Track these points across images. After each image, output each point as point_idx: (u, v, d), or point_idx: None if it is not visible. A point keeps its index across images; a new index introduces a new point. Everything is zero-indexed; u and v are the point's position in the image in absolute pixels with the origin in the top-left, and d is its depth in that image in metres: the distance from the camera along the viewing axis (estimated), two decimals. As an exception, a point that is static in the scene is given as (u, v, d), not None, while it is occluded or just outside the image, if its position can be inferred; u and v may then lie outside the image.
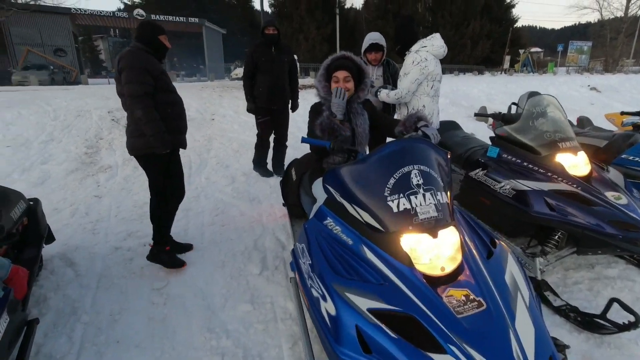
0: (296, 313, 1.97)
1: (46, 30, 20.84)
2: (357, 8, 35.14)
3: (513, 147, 2.75)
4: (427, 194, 1.47)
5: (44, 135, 5.64)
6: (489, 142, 3.10)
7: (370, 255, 1.47)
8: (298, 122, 6.06)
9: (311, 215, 1.88)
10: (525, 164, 2.63)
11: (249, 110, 4.28)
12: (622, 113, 4.57)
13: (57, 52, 21.10)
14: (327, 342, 1.32)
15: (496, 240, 1.67)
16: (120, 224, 3.33)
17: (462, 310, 1.27)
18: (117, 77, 2.36)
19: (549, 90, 10.93)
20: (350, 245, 1.54)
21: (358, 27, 30.46)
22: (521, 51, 29.68)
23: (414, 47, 2.93)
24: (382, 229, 1.48)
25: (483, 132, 6.49)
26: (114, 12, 23.59)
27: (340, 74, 2.12)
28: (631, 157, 3.18)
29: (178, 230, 3.11)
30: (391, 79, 3.44)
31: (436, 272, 1.39)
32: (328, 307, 1.36)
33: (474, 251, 1.53)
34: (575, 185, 2.39)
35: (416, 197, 1.46)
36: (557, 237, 2.40)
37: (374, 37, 3.25)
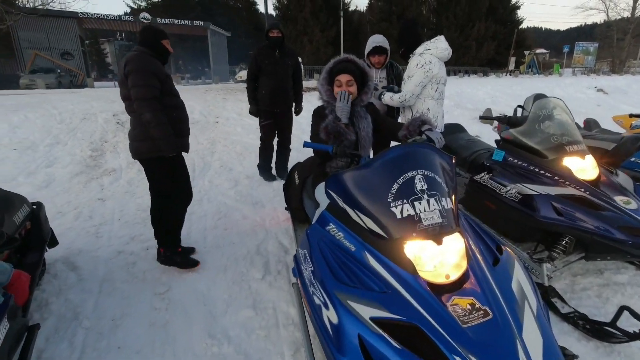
0: (298, 319, 1.95)
1: (54, 34, 21.11)
2: (362, 10, 35.18)
3: (519, 150, 2.71)
4: (432, 200, 1.44)
5: (49, 138, 5.67)
6: (494, 145, 3.06)
7: (373, 262, 1.44)
8: (302, 125, 6.05)
9: (314, 221, 1.86)
10: (531, 167, 2.59)
11: (251, 112, 4.28)
12: (631, 115, 4.51)
13: (64, 56, 21.36)
14: (329, 351, 1.30)
15: (502, 247, 1.63)
16: (124, 227, 3.33)
17: (467, 319, 1.24)
18: (122, 81, 2.36)
19: (554, 91, 10.84)
20: (353, 251, 1.51)
21: (362, 29, 30.50)
22: (526, 52, 29.56)
23: (418, 50, 2.90)
24: (385, 236, 1.45)
25: (488, 135, 6.45)
26: (120, 16, 23.84)
27: (343, 78, 2.10)
28: (640, 161, 3.13)
29: (182, 234, 3.09)
30: (395, 81, 3.41)
31: (441, 279, 1.36)
32: (330, 315, 1.33)
33: (480, 258, 1.49)
34: (583, 190, 2.35)
35: (420, 203, 1.43)
36: (564, 242, 2.35)
37: (377, 39, 3.23)
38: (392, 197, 1.45)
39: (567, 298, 2.25)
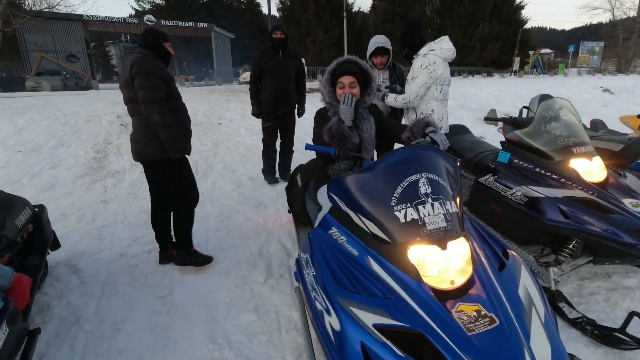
0: (301, 324, 1.92)
1: (59, 37, 21.29)
2: (365, 11, 35.18)
3: (525, 152, 2.67)
4: (436, 204, 1.41)
5: (54, 140, 5.70)
6: (499, 147, 3.02)
7: (376, 267, 1.41)
8: (305, 127, 6.04)
9: (316, 224, 1.84)
10: (537, 169, 2.55)
11: (253, 114, 4.26)
12: (639, 116, 4.44)
13: (69, 58, 21.53)
14: (331, 358, 1.27)
15: (508, 251, 1.60)
16: (126, 229, 3.32)
17: (473, 327, 1.20)
18: (126, 83, 2.34)
19: (560, 92, 10.74)
20: (356, 256, 1.48)
21: (365, 30, 30.49)
22: (531, 52, 29.36)
23: (422, 51, 2.87)
24: (388, 240, 1.42)
25: (492, 137, 6.39)
26: (124, 19, 24.00)
27: (346, 80, 2.07)
28: (649, 162, 3.07)
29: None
30: (397, 82, 3.38)
31: (445, 285, 1.33)
32: (332, 321, 1.31)
33: (485, 263, 1.46)
34: (590, 192, 2.30)
35: (424, 207, 1.40)
36: (572, 245, 2.31)
37: (379, 40, 3.20)
38: (396, 201, 1.42)
39: (574, 302, 2.21)
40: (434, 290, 1.31)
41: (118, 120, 6.58)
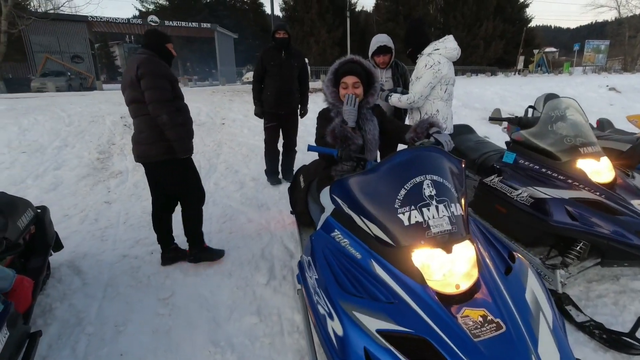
0: (303, 326, 1.90)
1: (64, 38, 21.41)
2: (368, 11, 35.09)
3: (530, 152, 2.63)
4: (440, 206, 1.38)
5: (58, 140, 5.72)
6: (504, 147, 2.98)
7: (379, 270, 1.39)
8: (308, 127, 6.01)
9: (318, 226, 1.81)
10: (543, 170, 2.50)
11: (256, 114, 4.25)
12: (646, 115, 4.37)
13: (74, 59, 21.64)
14: (333, 363, 1.25)
15: (514, 254, 1.57)
16: (129, 230, 3.32)
17: (479, 332, 1.17)
18: (131, 83, 2.33)
19: (565, 91, 10.64)
20: (359, 259, 1.46)
21: (369, 29, 30.43)
22: (535, 51, 29.16)
23: (427, 50, 2.83)
24: (392, 243, 1.39)
25: (497, 136, 6.34)
26: (128, 19, 24.07)
27: (349, 80, 2.04)
28: (658, 162, 3.02)
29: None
30: (400, 80, 3.34)
31: (450, 290, 1.30)
32: (335, 326, 1.28)
33: (491, 267, 1.43)
34: (598, 193, 2.26)
35: (428, 210, 1.37)
36: (579, 247, 2.27)
37: (381, 39, 3.16)
38: (399, 203, 1.39)
39: (581, 306, 2.17)
40: (439, 294, 1.28)
41: (122, 121, 6.59)
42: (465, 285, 1.31)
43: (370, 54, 3.23)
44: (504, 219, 2.60)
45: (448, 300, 1.28)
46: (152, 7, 32.95)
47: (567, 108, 2.63)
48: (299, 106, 4.31)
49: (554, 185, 2.39)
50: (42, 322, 2.12)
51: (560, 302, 2.12)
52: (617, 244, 2.09)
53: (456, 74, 2.97)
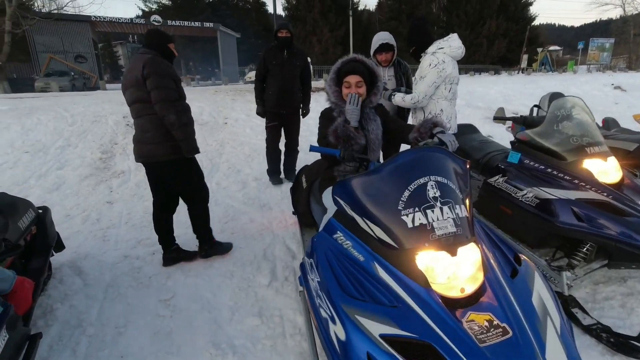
0: (305, 329, 1.88)
1: (68, 38, 21.49)
2: (371, 9, 35.01)
3: (536, 152, 2.59)
4: (445, 208, 1.35)
5: (60, 140, 5.73)
6: (509, 147, 2.95)
7: (382, 273, 1.36)
8: (310, 126, 5.99)
9: (320, 228, 1.79)
10: (549, 170, 2.47)
11: (258, 113, 4.23)
12: (653, 114, 4.31)
13: (77, 59, 21.73)
14: (336, 368, 1.23)
15: (520, 256, 1.54)
16: (131, 231, 3.31)
17: (485, 337, 1.15)
18: (136, 83, 2.32)
19: (570, 89, 10.55)
20: (362, 262, 1.43)
21: (371, 28, 30.32)
22: (539, 50, 28.97)
23: (431, 49, 2.79)
24: (395, 246, 1.37)
25: (500, 136, 6.29)
26: (132, 19, 24.13)
27: (352, 79, 2.02)
28: (665, 162, 2.97)
29: (187, 238, 3.06)
30: (403, 79, 3.31)
31: (455, 293, 1.28)
32: (337, 330, 1.26)
33: (497, 270, 1.40)
34: (605, 194, 2.22)
35: (433, 211, 1.34)
36: (585, 249, 2.23)
37: (383, 37, 3.12)
38: (403, 205, 1.37)
39: (588, 308, 2.14)
40: (443, 298, 1.26)
41: (124, 121, 6.59)
42: (470, 288, 1.29)
43: (372, 52, 3.19)
44: (509, 220, 2.57)
45: (453, 304, 1.25)
46: (155, 6, 32.98)
47: (573, 107, 2.59)
48: (301, 105, 4.28)
49: (560, 186, 2.35)
50: (43, 323, 2.11)
51: (567, 304, 2.08)
52: (624, 246, 2.06)
53: (459, 73, 2.93)
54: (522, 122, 2.91)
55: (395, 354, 1.12)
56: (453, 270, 1.31)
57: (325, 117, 2.13)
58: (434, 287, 1.28)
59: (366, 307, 1.26)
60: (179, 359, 1.88)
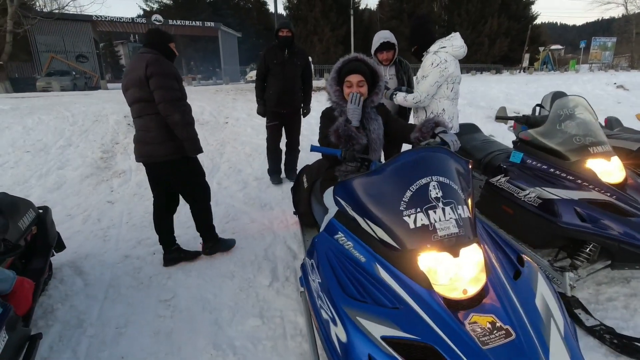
0: (306, 330, 1.87)
1: (69, 37, 21.53)
2: (372, 9, 34.95)
3: (538, 152, 2.58)
4: (447, 208, 1.34)
5: (62, 140, 5.73)
6: (511, 146, 2.93)
7: (384, 275, 1.35)
8: (312, 126, 5.97)
9: (322, 228, 1.78)
10: (552, 170, 2.45)
11: (259, 112, 4.22)
12: (656, 113, 4.29)
13: (79, 58, 21.77)
14: (337, 371, 1.21)
15: (523, 257, 1.52)
16: (131, 230, 3.30)
17: (487, 340, 1.13)
18: (139, 82, 2.31)
19: (572, 89, 10.50)
20: (363, 263, 1.42)
21: (373, 27, 30.27)
22: (541, 49, 28.89)
23: (433, 48, 2.77)
24: (397, 247, 1.35)
25: (502, 135, 6.26)
26: (133, 19, 24.18)
27: (354, 78, 2.00)
28: (669, 162, 2.95)
29: (188, 238, 3.06)
30: (405, 78, 3.29)
31: (457, 295, 1.26)
32: (338, 332, 1.25)
33: (500, 271, 1.39)
34: (609, 194, 2.20)
35: (435, 212, 1.33)
36: (588, 250, 2.21)
37: (384, 35, 3.10)
38: (405, 206, 1.35)
39: (591, 309, 2.12)
40: (446, 300, 1.25)
41: (125, 120, 6.59)
42: (472, 290, 1.27)
43: (373, 51, 3.17)
44: (511, 220, 2.55)
45: (455, 306, 1.24)
46: (156, 6, 33.02)
47: (575, 106, 2.57)
48: (302, 105, 4.27)
49: (562, 186, 2.33)
50: (43, 323, 2.10)
51: (570, 305, 2.07)
52: (628, 246, 2.04)
53: (461, 72, 2.91)
54: (524, 122, 2.90)
55: (397, 356, 1.11)
56: (455, 271, 1.30)
57: (326, 117, 2.12)
58: (436, 288, 1.27)
59: (367, 308, 1.25)
60: (180, 359, 1.87)
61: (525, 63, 27.40)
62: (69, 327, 2.09)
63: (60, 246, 2.65)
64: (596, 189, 2.25)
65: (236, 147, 5.75)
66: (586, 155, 2.37)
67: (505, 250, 1.55)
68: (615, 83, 12.18)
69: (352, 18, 23.19)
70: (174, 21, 23.87)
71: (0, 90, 14.37)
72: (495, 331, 1.16)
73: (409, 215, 1.34)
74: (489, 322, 1.19)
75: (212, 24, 25.31)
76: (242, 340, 1.97)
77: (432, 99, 2.81)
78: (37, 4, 20.89)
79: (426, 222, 1.32)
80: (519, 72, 23.44)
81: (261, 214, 3.59)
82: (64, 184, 4.49)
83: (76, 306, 2.26)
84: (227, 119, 7.08)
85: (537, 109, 3.40)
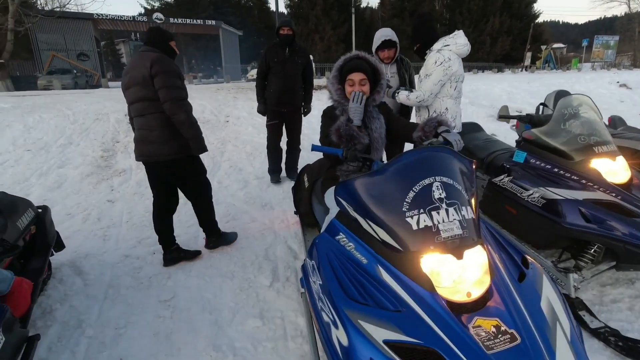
0: (307, 331, 1.85)
1: (70, 36, 21.51)
2: (373, 7, 34.85)
3: (542, 151, 2.54)
4: (451, 209, 1.31)
5: (62, 138, 5.72)
6: (514, 145, 2.90)
7: (386, 277, 1.32)
8: (313, 124, 5.95)
9: (322, 229, 1.75)
10: (556, 170, 2.42)
11: (259, 111, 4.20)
12: (660, 112, 4.24)
13: (80, 57, 21.75)
14: (338, 375, 1.19)
15: (528, 259, 1.49)
16: (131, 230, 3.29)
17: (492, 344, 1.11)
18: (143, 81, 2.29)
19: (575, 87, 10.44)
20: (365, 264, 1.40)
21: (374, 26, 30.16)
22: (543, 47, 28.77)
23: (436, 46, 2.74)
24: (400, 248, 1.33)
25: (504, 134, 6.23)
26: (134, 17, 24.13)
27: (356, 77, 1.97)
28: (674, 161, 2.91)
29: (188, 238, 3.05)
30: (406, 76, 3.25)
31: (461, 297, 1.24)
32: (339, 335, 1.23)
33: (504, 273, 1.36)
34: (614, 194, 2.17)
35: (438, 213, 1.30)
36: (593, 250, 2.19)
37: (385, 33, 3.07)
38: (408, 207, 1.33)
39: (595, 311, 2.10)
40: (449, 302, 1.22)
41: (126, 119, 6.56)
42: (476, 293, 1.25)
43: (374, 49, 3.14)
44: (514, 221, 2.53)
45: (459, 309, 1.21)
46: (157, 4, 32.98)
47: (580, 105, 2.54)
48: (303, 104, 4.24)
49: (567, 186, 2.30)
50: (42, 323, 2.09)
51: (574, 307, 2.05)
52: (633, 247, 2.01)
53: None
54: (527, 121, 2.86)
55: (400, 360, 1.09)
56: (459, 273, 1.28)
57: (328, 116, 2.09)
58: (440, 291, 1.24)
59: (369, 311, 1.23)
60: (179, 361, 1.85)
61: (527, 62, 27.28)
62: (68, 327, 2.08)
63: (60, 245, 2.63)
64: (601, 189, 2.21)
65: (237, 145, 5.73)
66: (591, 154, 2.33)
67: (510, 252, 1.52)
68: (618, 82, 12.10)
69: (353, 16, 23.10)
70: (175, 19, 23.83)
71: (1, 89, 14.37)
72: (500, 335, 1.14)
73: (411, 216, 1.31)
74: (494, 326, 1.16)
75: (213, 22, 25.25)
76: (242, 341, 1.95)
77: (435, 98, 2.78)
78: (39, 2, 20.88)
79: (429, 223, 1.29)
80: (521, 70, 23.34)
81: (262, 213, 3.57)
82: (64, 182, 4.48)
83: (75, 306, 2.25)
84: (228, 117, 7.05)
85: (541, 107, 3.37)
